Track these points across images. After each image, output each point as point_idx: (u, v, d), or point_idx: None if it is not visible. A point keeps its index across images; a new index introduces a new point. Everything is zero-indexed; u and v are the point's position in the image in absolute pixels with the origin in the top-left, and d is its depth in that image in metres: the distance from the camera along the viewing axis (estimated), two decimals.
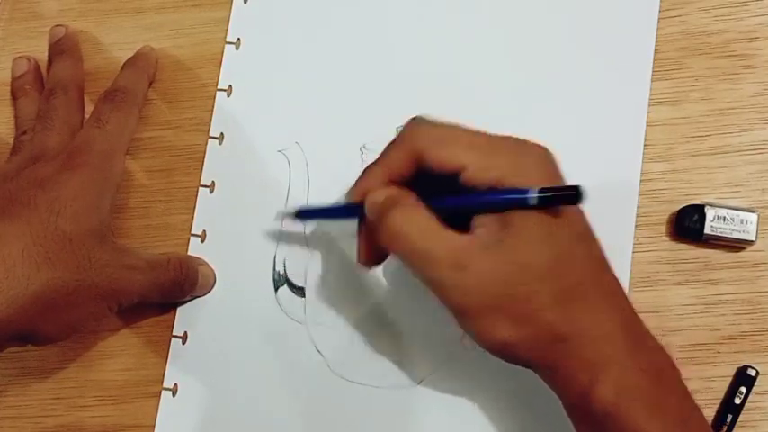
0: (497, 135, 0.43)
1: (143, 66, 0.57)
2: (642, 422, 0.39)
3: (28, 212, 0.47)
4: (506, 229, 0.40)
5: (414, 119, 0.44)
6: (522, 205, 0.40)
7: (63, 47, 0.58)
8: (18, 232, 0.46)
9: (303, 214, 0.53)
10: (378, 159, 0.44)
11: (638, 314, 0.43)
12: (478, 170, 0.41)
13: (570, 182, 0.41)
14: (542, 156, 0.42)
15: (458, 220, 0.42)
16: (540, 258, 0.40)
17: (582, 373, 0.40)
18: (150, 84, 0.57)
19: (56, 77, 0.56)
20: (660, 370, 0.41)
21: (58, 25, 0.58)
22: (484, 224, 0.41)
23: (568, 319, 0.40)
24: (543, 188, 0.39)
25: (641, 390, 0.40)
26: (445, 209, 0.42)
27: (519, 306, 0.40)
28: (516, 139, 0.43)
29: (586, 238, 0.42)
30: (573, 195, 0.39)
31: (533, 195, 0.39)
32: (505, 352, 0.42)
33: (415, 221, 0.42)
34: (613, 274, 0.43)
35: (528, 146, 0.42)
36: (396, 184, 0.44)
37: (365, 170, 0.45)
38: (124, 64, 0.56)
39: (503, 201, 0.41)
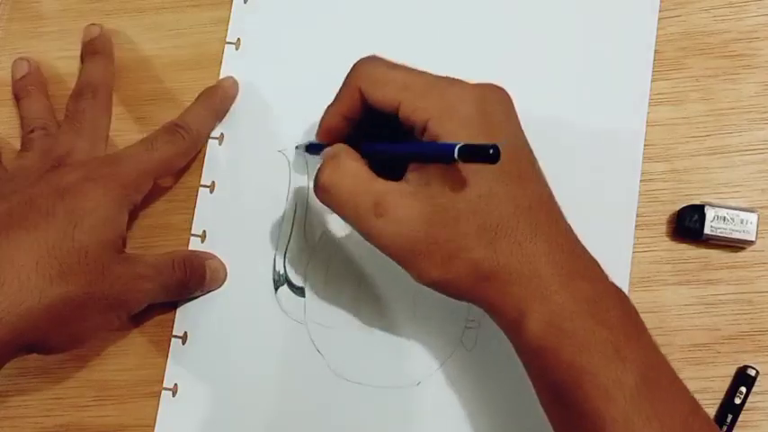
0: (435, 76, 0.44)
1: (216, 104, 0.56)
2: (571, 355, 0.40)
3: (46, 223, 0.46)
4: (431, 174, 0.42)
5: (361, 59, 0.46)
6: (441, 160, 0.42)
7: (97, 47, 0.57)
8: (34, 243, 0.46)
9: (312, 148, 0.53)
10: (334, 99, 0.47)
11: (577, 243, 0.43)
12: (410, 111, 0.43)
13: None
14: (473, 98, 0.43)
15: (397, 170, 0.44)
16: (462, 198, 0.42)
17: (511, 310, 0.42)
18: (219, 121, 0.56)
19: (86, 78, 0.56)
20: (593, 301, 0.41)
21: (92, 24, 0.58)
22: (413, 171, 0.43)
23: (493, 257, 0.41)
24: (462, 146, 0.40)
25: (570, 323, 0.40)
26: (374, 156, 0.45)
27: (442, 247, 0.42)
28: (452, 80, 0.44)
29: (515, 179, 0.42)
30: (489, 155, 0.39)
31: (452, 154, 0.40)
32: (439, 289, 0.43)
33: (343, 173, 0.44)
34: (549, 208, 0.43)
35: (460, 86, 0.43)
36: (350, 122, 0.46)
37: (325, 110, 0.47)
38: (200, 95, 0.56)
39: (424, 154, 0.42)
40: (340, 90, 0.46)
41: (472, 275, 0.42)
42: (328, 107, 0.47)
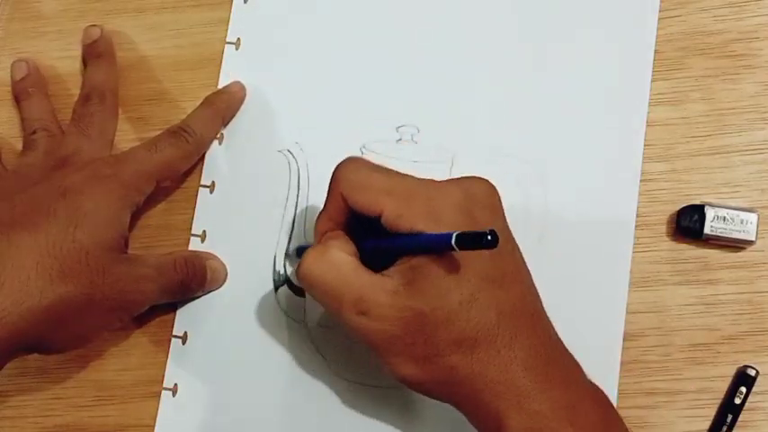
0: (415, 180, 0.43)
1: (221, 109, 0.56)
2: None
3: (47, 223, 0.46)
4: (416, 272, 0.41)
5: (341, 162, 0.45)
6: (439, 250, 0.41)
7: (100, 50, 0.57)
8: (35, 243, 0.46)
9: (301, 251, 0.53)
10: (324, 205, 0.46)
11: (557, 345, 0.43)
12: (394, 217, 0.42)
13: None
14: (457, 202, 0.42)
15: (389, 261, 0.43)
16: (440, 306, 0.41)
17: (488, 418, 0.41)
18: (224, 126, 0.56)
19: (92, 82, 0.57)
20: (571, 407, 0.41)
21: (92, 25, 0.58)
22: (399, 266, 0.42)
23: (469, 363, 0.41)
24: (459, 234, 0.39)
25: (549, 430, 0.40)
26: (370, 250, 0.44)
27: (418, 349, 0.41)
28: (434, 184, 0.43)
29: (496, 280, 0.42)
30: (488, 242, 0.38)
31: (449, 243, 0.39)
32: (413, 387, 0.43)
33: (327, 261, 0.43)
34: (531, 312, 0.43)
35: (442, 189, 0.43)
36: (341, 224, 0.45)
37: (316, 218, 0.46)
38: (205, 99, 0.56)
39: (420, 245, 0.42)
40: (327, 195, 0.45)
41: (447, 380, 0.42)
42: (319, 213, 0.46)
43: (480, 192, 0.43)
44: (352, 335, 0.43)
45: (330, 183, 0.45)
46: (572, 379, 0.42)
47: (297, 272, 0.44)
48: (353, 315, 0.42)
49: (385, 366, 0.43)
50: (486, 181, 0.44)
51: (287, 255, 0.54)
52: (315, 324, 0.53)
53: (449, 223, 0.41)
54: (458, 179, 0.43)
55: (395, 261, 0.42)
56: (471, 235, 0.39)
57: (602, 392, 0.43)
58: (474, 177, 0.44)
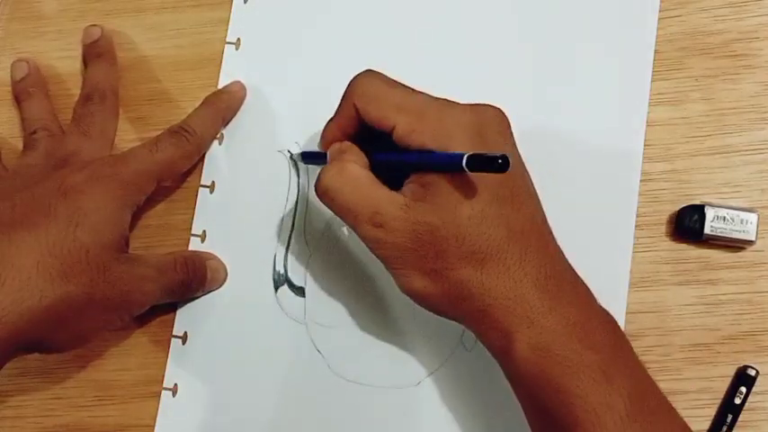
0: (431, 98, 0.44)
1: (222, 109, 0.56)
2: (560, 379, 0.40)
3: (47, 222, 0.47)
4: (428, 189, 0.42)
5: (358, 74, 0.46)
6: (450, 170, 0.41)
7: (100, 49, 0.58)
8: (35, 242, 0.46)
9: (306, 156, 0.53)
10: (334, 112, 0.47)
11: (567, 267, 0.43)
12: (405, 133, 0.43)
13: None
14: (468, 122, 0.43)
15: (399, 175, 0.44)
16: (450, 220, 0.42)
17: (497, 334, 0.42)
18: (224, 125, 0.56)
19: (93, 82, 0.57)
20: (581, 325, 0.41)
21: (93, 25, 0.58)
22: (412, 182, 0.43)
23: (479, 278, 0.42)
24: (470, 155, 0.40)
25: (558, 347, 0.40)
26: (382, 163, 0.45)
27: (429, 263, 0.42)
28: (447, 103, 0.44)
29: (507, 199, 0.42)
30: (498, 165, 0.39)
31: (460, 164, 0.40)
32: (421, 302, 0.44)
33: (345, 176, 0.44)
34: (540, 231, 0.43)
35: (455, 108, 0.43)
36: (349, 136, 0.46)
37: (326, 123, 0.47)
38: (206, 99, 0.56)
39: (432, 163, 0.42)
40: (339, 104, 0.46)
41: (455, 293, 0.42)
42: (329, 121, 0.47)
43: (492, 116, 0.44)
44: (369, 247, 0.44)
45: (344, 93, 0.46)
46: (582, 299, 0.43)
47: (316, 187, 0.45)
48: (370, 227, 0.43)
49: (396, 279, 0.44)
50: (498, 108, 0.44)
51: (291, 157, 0.54)
52: (315, 324, 0.53)
53: (459, 143, 0.42)
54: (471, 104, 0.44)
55: (405, 176, 0.43)
56: (482, 157, 0.40)
57: (612, 317, 0.43)
58: (486, 104, 0.44)
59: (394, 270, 0.44)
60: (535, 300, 0.41)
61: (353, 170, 0.44)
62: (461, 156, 0.40)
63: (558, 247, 0.44)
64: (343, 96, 0.46)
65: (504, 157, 0.39)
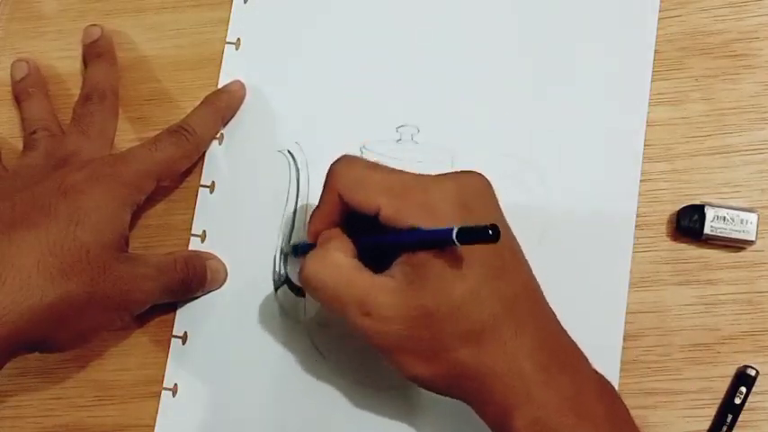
0: (411, 175, 0.43)
1: (221, 108, 0.56)
2: None
3: (47, 221, 0.46)
4: (416, 271, 0.41)
5: (337, 160, 0.45)
6: (440, 245, 0.41)
7: (100, 49, 0.58)
8: (35, 241, 0.46)
9: (296, 250, 0.53)
10: (318, 202, 0.46)
11: (561, 333, 0.43)
12: (391, 213, 0.42)
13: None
14: (452, 195, 0.42)
15: (389, 259, 0.43)
16: (444, 301, 0.41)
17: (496, 409, 0.41)
18: (224, 125, 0.56)
19: (93, 82, 0.57)
20: (576, 396, 0.41)
21: (92, 25, 0.58)
22: (399, 264, 0.42)
23: (477, 357, 0.41)
24: (460, 229, 0.39)
25: (555, 421, 0.40)
26: (369, 247, 0.44)
27: (426, 347, 0.41)
28: (430, 178, 0.43)
29: (499, 273, 0.42)
30: (489, 236, 0.38)
31: (450, 238, 0.39)
32: (424, 385, 0.43)
33: (328, 264, 0.43)
34: (534, 299, 0.43)
35: (438, 183, 0.43)
36: (336, 224, 0.45)
37: (311, 214, 0.46)
38: (205, 98, 0.56)
39: (421, 240, 0.41)
40: (321, 194, 0.45)
41: (456, 374, 0.42)
42: (313, 211, 0.46)
43: (474, 184, 0.43)
44: (359, 337, 0.43)
45: (325, 181, 0.45)
46: (577, 368, 0.43)
47: (300, 276, 0.44)
48: (358, 317, 0.42)
49: (394, 366, 0.43)
50: (480, 174, 0.44)
51: (282, 253, 0.54)
52: (315, 324, 0.53)
53: (445, 216, 0.41)
54: (452, 173, 0.44)
55: (394, 258, 0.42)
56: (472, 230, 0.39)
57: (608, 382, 0.43)
58: (467, 171, 0.44)
59: (392, 359, 0.43)
60: (531, 373, 0.41)
61: (337, 258, 0.43)
62: (451, 230, 0.39)
63: (551, 311, 0.43)
64: (325, 185, 0.45)
65: (495, 227, 0.38)
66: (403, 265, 0.42)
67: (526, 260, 0.44)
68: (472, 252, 0.41)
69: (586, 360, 0.43)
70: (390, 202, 0.42)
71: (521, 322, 0.41)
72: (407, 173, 0.44)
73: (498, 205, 0.44)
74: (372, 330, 0.42)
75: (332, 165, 0.45)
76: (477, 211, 0.42)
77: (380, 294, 0.42)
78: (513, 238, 0.44)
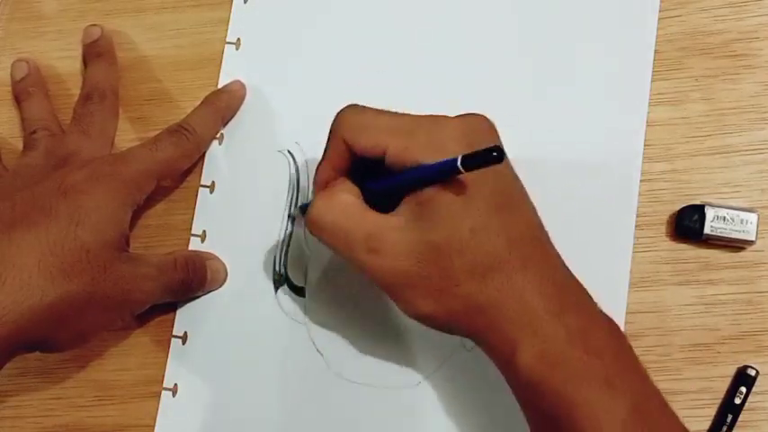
0: (416, 116, 0.44)
1: (221, 108, 0.56)
2: (562, 386, 0.40)
3: (47, 221, 0.46)
4: (422, 208, 0.42)
5: (342, 109, 0.45)
6: (446, 176, 0.41)
7: (100, 49, 0.58)
8: (35, 241, 0.46)
9: (305, 208, 0.53)
10: (323, 153, 0.46)
11: (567, 273, 0.43)
12: (398, 152, 0.43)
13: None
14: (458, 133, 0.42)
15: (394, 203, 0.43)
16: (452, 235, 0.41)
17: (503, 343, 0.41)
18: (224, 125, 0.56)
19: (93, 82, 0.57)
20: (584, 332, 0.41)
21: (92, 25, 0.58)
22: (406, 203, 0.43)
23: (484, 290, 0.41)
24: (465, 155, 0.39)
25: (561, 355, 0.40)
26: (375, 191, 0.44)
27: (433, 283, 0.42)
28: (435, 117, 0.44)
29: (504, 206, 0.42)
30: (494, 157, 0.39)
31: (455, 166, 0.39)
32: (429, 323, 0.43)
33: (334, 205, 0.44)
34: (539, 237, 0.43)
35: (444, 121, 0.43)
36: (343, 172, 0.45)
37: (317, 166, 0.46)
38: (206, 98, 0.56)
39: (427, 174, 0.42)
40: (326, 143, 0.45)
41: (463, 310, 0.42)
42: (319, 162, 0.46)
43: (480, 123, 0.44)
44: (367, 275, 0.43)
45: (331, 129, 0.45)
46: (583, 304, 0.43)
47: (306, 218, 0.45)
48: (365, 254, 0.42)
49: (400, 305, 0.43)
50: (484, 115, 0.44)
51: (290, 216, 0.54)
52: (315, 324, 0.53)
53: (452, 153, 0.41)
54: (458, 115, 0.44)
55: (400, 201, 0.43)
56: (477, 153, 0.39)
57: (613, 321, 0.43)
58: (472, 113, 0.44)
59: (397, 297, 0.43)
60: (538, 308, 0.41)
61: (344, 197, 0.44)
62: (455, 159, 0.39)
63: (557, 252, 0.44)
64: (330, 133, 0.45)
65: (498, 148, 0.39)
66: (410, 203, 0.42)
67: (532, 202, 0.44)
68: (479, 187, 0.41)
69: (593, 300, 0.43)
70: (397, 142, 0.43)
71: (527, 258, 0.42)
72: (412, 115, 0.44)
73: (501, 143, 0.44)
74: (379, 267, 0.42)
75: (337, 113, 0.45)
76: (483, 146, 0.42)
77: (388, 231, 0.42)
78: (517, 179, 0.44)
